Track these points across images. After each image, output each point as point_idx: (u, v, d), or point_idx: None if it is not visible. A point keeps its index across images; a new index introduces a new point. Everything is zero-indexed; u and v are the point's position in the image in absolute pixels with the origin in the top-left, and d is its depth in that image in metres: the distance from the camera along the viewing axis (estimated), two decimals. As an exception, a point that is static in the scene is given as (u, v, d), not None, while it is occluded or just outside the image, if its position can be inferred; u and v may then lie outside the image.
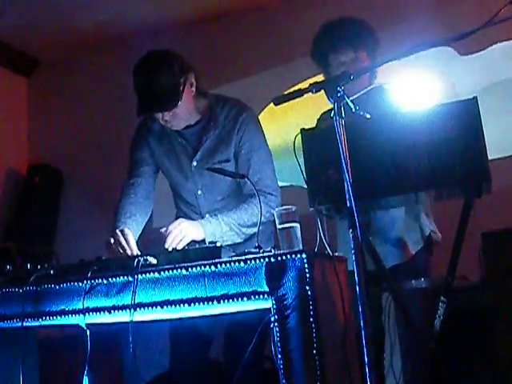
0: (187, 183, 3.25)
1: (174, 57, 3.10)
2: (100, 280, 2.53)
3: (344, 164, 2.25)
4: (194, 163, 3.21)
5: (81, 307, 2.52)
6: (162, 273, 2.45)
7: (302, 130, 2.77)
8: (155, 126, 3.24)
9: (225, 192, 3.22)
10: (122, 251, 2.86)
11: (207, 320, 2.63)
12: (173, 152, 3.25)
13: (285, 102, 2.45)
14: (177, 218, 3.34)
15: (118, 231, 2.93)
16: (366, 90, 3.06)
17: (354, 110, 2.37)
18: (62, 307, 2.58)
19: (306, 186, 2.74)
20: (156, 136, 3.27)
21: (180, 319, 2.59)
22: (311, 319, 2.25)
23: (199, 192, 3.23)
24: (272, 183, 3.18)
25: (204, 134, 3.19)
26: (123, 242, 2.87)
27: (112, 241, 2.89)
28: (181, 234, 2.90)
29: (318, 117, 3.54)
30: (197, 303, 2.38)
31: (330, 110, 3.45)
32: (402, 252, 3.30)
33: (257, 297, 2.31)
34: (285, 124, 5.38)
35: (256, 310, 2.40)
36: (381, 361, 3.13)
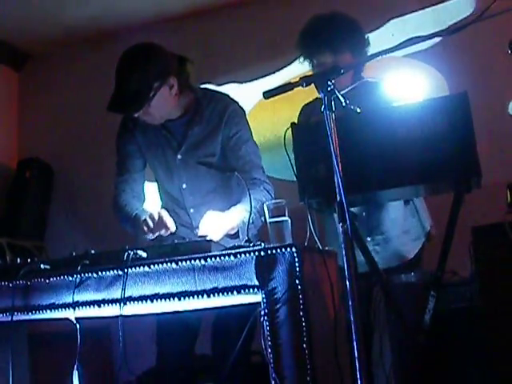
0: (172, 177, 3.24)
1: (153, 57, 3.05)
2: (90, 274, 2.52)
3: (334, 158, 2.25)
4: (179, 157, 3.19)
5: (71, 301, 2.52)
6: (151, 266, 2.45)
7: (293, 124, 2.78)
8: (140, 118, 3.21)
9: (210, 187, 3.20)
10: (162, 231, 2.94)
11: (194, 313, 2.63)
12: (158, 145, 3.24)
13: (275, 95, 2.44)
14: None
15: (154, 214, 2.95)
16: (355, 85, 3.07)
17: (344, 103, 2.37)
18: (52, 301, 2.58)
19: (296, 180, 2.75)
20: (141, 128, 3.24)
21: (169, 313, 2.60)
22: (301, 313, 2.25)
23: (184, 186, 3.22)
24: (263, 173, 3.19)
25: (189, 127, 3.18)
26: (161, 219, 2.93)
27: (150, 223, 2.93)
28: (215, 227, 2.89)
29: (300, 109, 3.55)
30: (187, 297, 2.39)
31: (311, 102, 3.47)
32: (403, 253, 3.31)
33: (247, 290, 2.32)
34: (276, 118, 5.39)
35: (246, 304, 2.40)
36: (369, 356, 3.14)
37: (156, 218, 2.93)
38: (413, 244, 3.33)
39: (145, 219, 2.96)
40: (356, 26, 3.33)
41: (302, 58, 3.40)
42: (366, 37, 3.36)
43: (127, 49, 3.07)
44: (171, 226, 2.95)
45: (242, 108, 3.28)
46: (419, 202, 3.37)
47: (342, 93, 2.39)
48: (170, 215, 3.18)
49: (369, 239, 3.27)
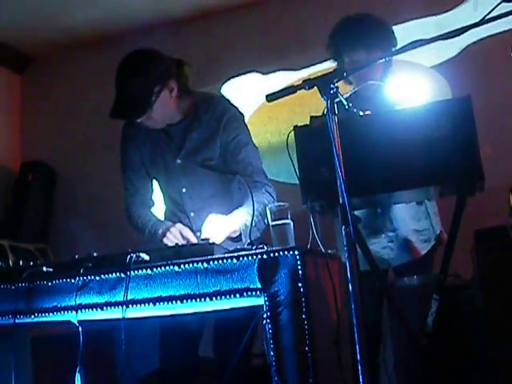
0: (172, 181, 3.26)
1: (152, 62, 3.07)
2: (92, 277, 2.53)
3: (337, 161, 2.25)
4: (179, 161, 3.20)
5: (73, 304, 2.52)
6: (154, 269, 2.45)
7: (295, 127, 2.77)
8: (142, 122, 3.21)
9: (210, 191, 3.21)
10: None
11: (196, 316, 2.63)
12: (158, 149, 3.25)
13: (278, 98, 2.44)
14: (164, 216, 3.35)
15: (173, 229, 3.00)
16: (358, 87, 3.07)
17: (347, 107, 2.37)
18: (55, 304, 2.58)
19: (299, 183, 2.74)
20: (143, 133, 3.25)
21: (172, 316, 2.60)
22: (303, 316, 2.25)
23: (184, 190, 3.23)
24: (265, 176, 3.20)
25: (188, 132, 3.19)
26: (183, 236, 2.97)
27: (171, 236, 2.97)
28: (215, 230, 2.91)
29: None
30: (189, 300, 2.39)
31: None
32: (413, 250, 3.31)
33: (249, 293, 2.32)
34: (280, 121, 5.38)
35: (248, 307, 2.40)
36: (377, 351, 3.17)
37: (176, 233, 2.98)
38: (422, 245, 3.33)
39: (164, 234, 3.01)
40: (386, 25, 3.36)
41: (332, 58, 3.40)
42: (393, 35, 3.37)
43: (125, 55, 3.09)
44: (192, 238, 2.97)
45: (240, 112, 3.29)
46: (431, 205, 3.37)
47: (345, 96, 2.39)
48: (172, 218, 3.21)
49: (383, 236, 3.28)
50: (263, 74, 5.69)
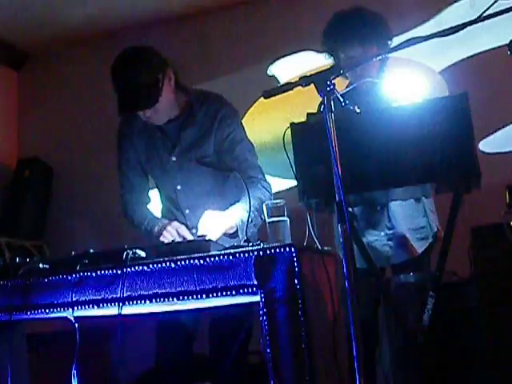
0: (167, 178, 3.27)
1: (151, 53, 3.09)
2: (89, 273, 2.52)
3: (333, 158, 2.25)
4: (173, 158, 3.21)
5: (70, 300, 2.52)
6: (150, 266, 2.45)
7: (292, 124, 2.77)
8: (137, 120, 3.20)
9: (205, 189, 3.21)
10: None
11: (191, 314, 2.63)
12: (153, 146, 3.26)
13: (275, 95, 2.43)
14: (161, 213, 3.36)
15: (170, 227, 3.01)
16: (355, 84, 3.07)
17: (343, 104, 2.37)
18: (51, 300, 2.57)
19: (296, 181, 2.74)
20: (139, 131, 3.27)
21: (168, 313, 2.60)
22: (300, 312, 2.25)
23: (178, 187, 3.24)
24: (260, 171, 3.21)
25: (183, 129, 3.20)
26: (179, 234, 2.99)
27: (168, 234, 2.99)
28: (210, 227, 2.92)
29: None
30: (186, 296, 2.39)
31: None
32: (411, 248, 3.31)
33: (246, 290, 2.32)
34: (276, 119, 5.38)
35: (244, 304, 2.40)
36: (374, 349, 3.17)
37: (173, 231, 3.00)
38: (420, 243, 3.32)
39: (161, 232, 3.03)
40: (382, 20, 3.32)
41: (327, 55, 3.38)
42: (389, 30, 3.35)
43: (119, 54, 3.09)
44: (189, 237, 2.99)
45: (235, 109, 3.29)
46: (428, 202, 3.37)
47: (341, 92, 2.39)
48: (168, 215, 3.23)
49: (382, 233, 3.28)
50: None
